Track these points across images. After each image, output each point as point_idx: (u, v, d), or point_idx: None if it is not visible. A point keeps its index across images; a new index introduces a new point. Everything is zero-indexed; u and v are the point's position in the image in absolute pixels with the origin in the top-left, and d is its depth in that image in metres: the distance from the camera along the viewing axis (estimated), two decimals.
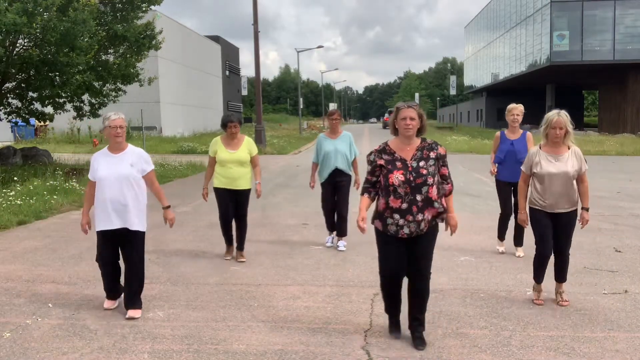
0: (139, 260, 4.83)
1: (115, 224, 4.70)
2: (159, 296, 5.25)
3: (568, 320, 4.60)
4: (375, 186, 4.05)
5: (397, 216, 3.89)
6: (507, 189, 6.65)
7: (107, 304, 4.92)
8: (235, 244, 6.67)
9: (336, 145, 6.91)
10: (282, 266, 6.35)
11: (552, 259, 4.98)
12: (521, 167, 5.03)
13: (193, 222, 9.13)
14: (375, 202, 4.10)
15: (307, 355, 3.95)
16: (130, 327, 4.50)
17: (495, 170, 6.75)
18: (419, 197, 3.85)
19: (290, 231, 8.36)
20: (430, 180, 3.87)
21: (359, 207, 4.04)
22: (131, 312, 4.72)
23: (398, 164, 3.91)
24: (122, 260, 4.89)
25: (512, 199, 6.64)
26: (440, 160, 3.99)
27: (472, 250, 6.94)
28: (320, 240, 7.52)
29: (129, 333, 4.37)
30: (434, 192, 3.92)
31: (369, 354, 3.98)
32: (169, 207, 4.99)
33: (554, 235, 4.85)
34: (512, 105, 6.61)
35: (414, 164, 3.90)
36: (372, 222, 4.08)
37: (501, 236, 6.88)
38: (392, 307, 4.26)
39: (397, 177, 3.86)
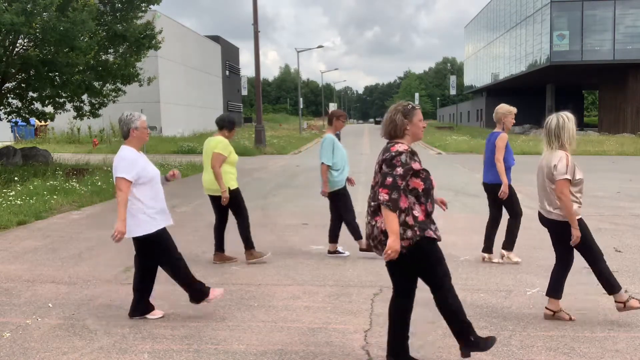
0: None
1: (168, 221, 4.66)
2: (159, 296, 5.23)
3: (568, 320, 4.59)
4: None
5: (432, 220, 3.53)
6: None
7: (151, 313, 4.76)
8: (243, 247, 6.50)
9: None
10: (282, 266, 6.34)
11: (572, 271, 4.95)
12: (565, 175, 4.38)
13: (193, 222, 9.13)
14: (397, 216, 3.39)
15: (307, 355, 3.95)
16: (130, 327, 4.50)
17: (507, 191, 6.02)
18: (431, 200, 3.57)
19: (290, 231, 8.35)
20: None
21: (392, 228, 3.27)
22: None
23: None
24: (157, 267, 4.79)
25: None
26: None
27: (472, 250, 6.93)
28: (321, 240, 7.50)
29: (129, 333, 4.37)
30: None
31: (369, 354, 3.98)
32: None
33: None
34: (512, 108, 6.11)
35: None
36: (423, 234, 3.40)
37: (489, 247, 6.38)
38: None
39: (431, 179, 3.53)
